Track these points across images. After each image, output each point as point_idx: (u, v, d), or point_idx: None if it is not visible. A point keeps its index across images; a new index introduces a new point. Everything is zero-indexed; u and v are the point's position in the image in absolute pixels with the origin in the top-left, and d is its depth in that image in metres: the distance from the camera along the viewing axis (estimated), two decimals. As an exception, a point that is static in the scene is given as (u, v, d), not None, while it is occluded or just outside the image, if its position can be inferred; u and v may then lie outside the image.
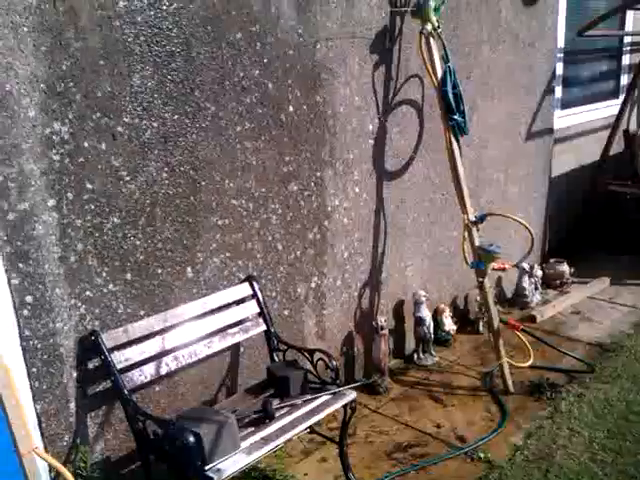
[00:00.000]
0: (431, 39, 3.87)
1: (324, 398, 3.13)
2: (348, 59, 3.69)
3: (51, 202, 2.56)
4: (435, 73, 3.91)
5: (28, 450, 2.23)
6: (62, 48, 2.48)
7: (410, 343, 4.60)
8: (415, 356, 4.53)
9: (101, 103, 2.64)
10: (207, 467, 2.56)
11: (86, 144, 2.63)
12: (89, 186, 2.67)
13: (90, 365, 2.84)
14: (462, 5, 4.37)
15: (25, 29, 2.37)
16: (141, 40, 2.72)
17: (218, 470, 2.57)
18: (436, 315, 4.66)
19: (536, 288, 5.45)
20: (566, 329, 4.92)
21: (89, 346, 2.77)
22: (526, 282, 5.33)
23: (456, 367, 4.46)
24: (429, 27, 3.83)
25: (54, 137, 2.53)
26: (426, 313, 4.42)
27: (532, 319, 5.06)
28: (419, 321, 4.41)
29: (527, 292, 5.33)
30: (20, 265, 2.52)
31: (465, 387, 4.18)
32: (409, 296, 4.48)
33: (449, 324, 4.70)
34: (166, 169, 2.93)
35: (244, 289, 3.37)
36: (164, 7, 2.78)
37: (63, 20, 2.47)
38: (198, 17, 2.91)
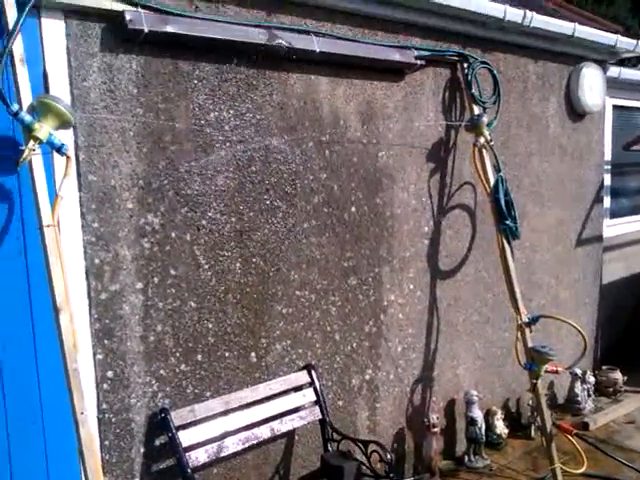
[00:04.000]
0: (484, 150, 4.17)
1: (377, 491, 3.20)
2: (407, 166, 4.00)
3: (139, 285, 2.84)
4: (488, 181, 4.17)
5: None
6: (160, 150, 2.85)
7: (461, 444, 4.58)
8: (466, 458, 4.50)
9: (190, 199, 2.98)
10: None
11: (173, 234, 2.94)
12: (173, 272, 2.95)
13: (157, 442, 3.00)
14: (512, 120, 4.70)
15: (131, 133, 2.76)
16: (227, 146, 3.09)
17: None
18: (487, 417, 4.65)
19: (589, 395, 5.38)
20: (620, 438, 4.82)
21: (158, 423, 2.94)
22: (578, 388, 5.28)
23: (507, 471, 4.39)
24: (482, 140, 4.13)
25: (147, 227, 2.85)
26: (478, 413, 4.43)
27: (585, 426, 4.97)
28: (471, 421, 4.42)
29: (579, 398, 5.27)
30: (105, 342, 2.77)
31: (517, 492, 4.13)
32: (460, 395, 4.53)
33: (501, 427, 4.68)
34: (240, 260, 3.20)
35: (303, 377, 3.52)
36: (247, 118, 3.16)
37: (163, 126, 2.85)
38: (276, 127, 3.29)
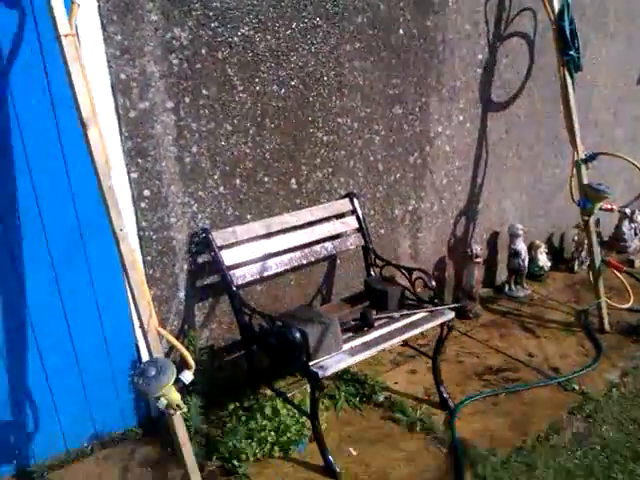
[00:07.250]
0: (549, -28, 3.40)
1: (421, 314, 2.90)
2: (461, -16, 3.32)
3: (169, 104, 2.48)
4: (552, 7, 3.45)
5: (153, 327, 2.20)
6: (184, -45, 2.36)
7: (501, 275, 4.27)
8: (506, 287, 4.21)
9: (219, 13, 2.50)
10: (311, 363, 2.46)
11: (203, 51, 2.51)
12: (205, 92, 2.56)
13: (200, 260, 2.79)
14: None
15: None
16: (258, -50, 2.54)
17: (321, 367, 2.44)
18: (531, 250, 4.28)
19: (635, 234, 4.90)
20: (666, 276, 4.38)
21: (200, 242, 2.73)
22: (626, 227, 4.81)
23: (549, 302, 4.09)
24: (549, -43, 3.35)
25: (174, 42, 2.42)
26: (522, 246, 4.07)
27: (630, 263, 4.56)
28: (514, 253, 4.07)
29: (626, 237, 4.81)
30: (139, 160, 2.48)
31: (558, 321, 3.82)
32: (504, 229, 4.14)
33: (544, 260, 4.32)
34: (276, 82, 2.77)
35: (344, 204, 3.20)
36: None
37: None
38: None
